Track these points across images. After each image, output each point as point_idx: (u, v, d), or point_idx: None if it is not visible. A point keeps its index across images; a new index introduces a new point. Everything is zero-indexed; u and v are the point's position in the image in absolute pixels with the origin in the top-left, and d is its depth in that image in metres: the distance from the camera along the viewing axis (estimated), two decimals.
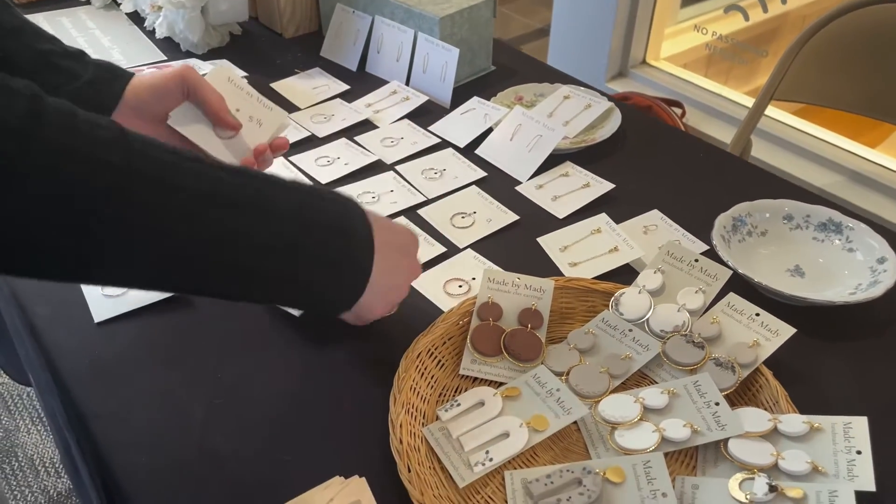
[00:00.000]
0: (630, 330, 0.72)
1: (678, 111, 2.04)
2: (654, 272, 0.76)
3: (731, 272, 0.75)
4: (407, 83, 1.20)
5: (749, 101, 2.27)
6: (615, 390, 0.68)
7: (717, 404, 0.64)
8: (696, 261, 0.76)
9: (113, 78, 0.72)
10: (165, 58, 1.27)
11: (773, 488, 0.56)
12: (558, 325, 0.74)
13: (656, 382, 0.69)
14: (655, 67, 2.45)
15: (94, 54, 1.04)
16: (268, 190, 0.54)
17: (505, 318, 0.73)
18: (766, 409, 0.64)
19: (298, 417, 0.67)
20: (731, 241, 0.84)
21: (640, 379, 0.70)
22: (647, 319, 0.73)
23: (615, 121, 1.08)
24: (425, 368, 0.69)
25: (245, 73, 1.12)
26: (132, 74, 0.73)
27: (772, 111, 2.13)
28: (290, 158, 1.03)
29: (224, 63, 0.71)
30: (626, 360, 0.69)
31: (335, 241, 0.57)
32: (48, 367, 0.72)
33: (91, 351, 0.73)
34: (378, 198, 0.95)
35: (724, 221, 0.85)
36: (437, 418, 0.66)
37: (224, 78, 0.78)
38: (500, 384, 0.69)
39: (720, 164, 1.04)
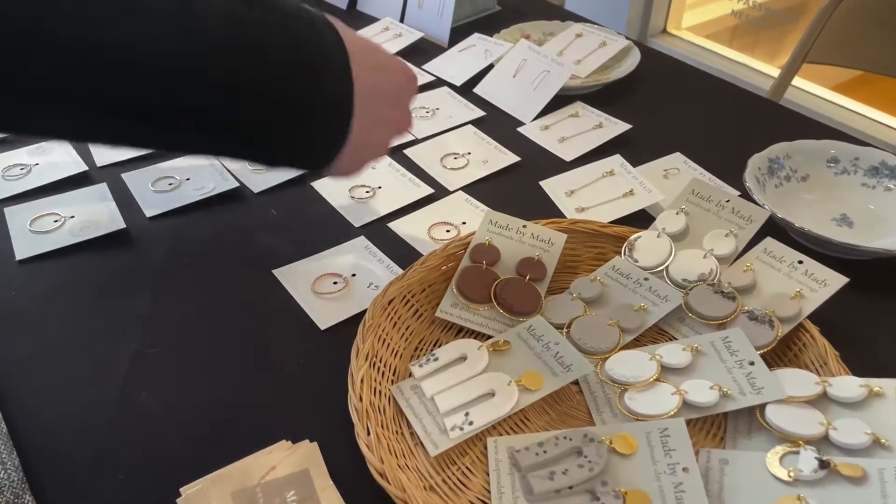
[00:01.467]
0: (646, 279, 0.60)
1: (675, 59, 1.91)
2: (677, 213, 0.64)
3: (769, 213, 0.63)
4: (401, 20, 1.08)
5: (776, 73, 2.13)
6: (626, 347, 0.56)
7: (751, 364, 0.52)
8: (728, 201, 0.64)
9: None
10: None
11: (823, 464, 0.44)
12: (560, 274, 0.63)
13: (676, 339, 0.57)
14: (677, 37, 2.31)
15: None
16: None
17: (501, 265, 0.61)
18: (811, 371, 0.52)
19: (242, 372, 0.56)
20: (767, 186, 0.72)
21: (658, 335, 0.58)
22: (667, 267, 0.61)
23: (633, 60, 0.95)
24: (398, 317, 0.57)
25: None
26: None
27: (806, 84, 1.99)
28: None
29: None
30: (640, 313, 0.57)
31: (302, 80, 0.45)
32: None
33: (6, 291, 0.62)
34: None
35: (758, 162, 0.73)
36: (410, 375, 0.54)
37: None
38: (487, 337, 0.57)
39: (750, 106, 0.92)
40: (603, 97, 0.90)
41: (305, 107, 0.45)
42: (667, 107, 0.91)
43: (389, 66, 0.52)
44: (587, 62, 0.96)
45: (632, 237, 0.63)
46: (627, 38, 0.99)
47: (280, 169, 0.50)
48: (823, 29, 1.47)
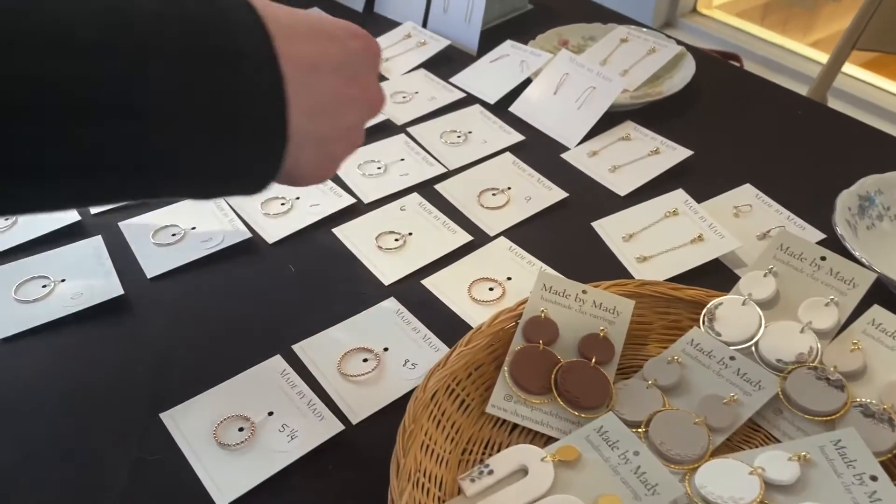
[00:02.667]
0: (732, 358, 0.51)
1: (735, 65, 1.79)
2: (765, 275, 0.54)
3: (875, 276, 0.53)
4: (424, 25, 0.98)
5: (812, 53, 2.01)
6: (717, 451, 0.47)
7: (873, 479, 0.43)
8: (824, 259, 0.54)
9: None
10: None
11: None
12: (628, 346, 0.53)
13: (775, 438, 0.48)
14: (707, 17, 2.19)
15: None
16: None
17: (560, 343, 0.52)
18: None
19: (259, 493, 0.47)
20: (859, 229, 0.62)
21: (751, 432, 0.49)
22: (757, 343, 0.51)
23: (687, 69, 0.85)
24: (442, 413, 0.49)
25: None
26: None
27: (847, 67, 1.87)
28: None
29: None
30: (730, 405, 0.48)
31: (208, 77, 0.32)
32: None
33: None
34: (385, 168, 0.74)
35: (847, 201, 0.63)
36: (460, 491, 0.45)
37: None
38: (549, 438, 0.48)
39: (825, 124, 0.81)
40: (656, 113, 0.80)
41: (222, 111, 0.33)
42: (729, 124, 0.80)
43: (333, 31, 0.38)
44: (635, 72, 0.86)
45: (711, 304, 0.54)
46: (678, 43, 0.88)
47: (224, 196, 0.36)
48: (876, 12, 1.36)
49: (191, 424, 0.50)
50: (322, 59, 0.36)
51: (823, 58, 1.88)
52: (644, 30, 0.91)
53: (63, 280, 0.61)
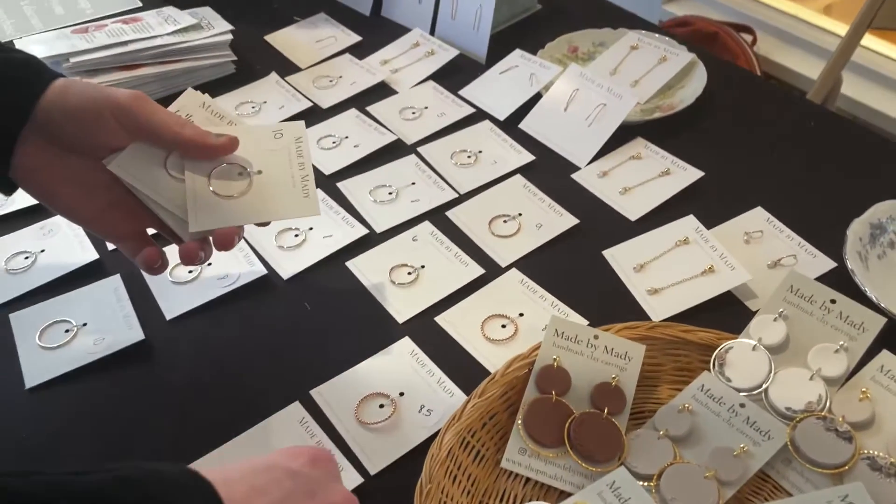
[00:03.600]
0: (742, 405, 0.51)
1: (748, 38, 1.76)
2: (775, 319, 0.55)
3: (885, 320, 0.53)
4: (432, 32, 0.97)
5: (827, 24, 1.97)
6: None
7: None
8: (833, 302, 0.54)
9: (26, 81, 0.50)
10: (140, 4, 1.05)
11: None
12: (639, 389, 0.54)
13: (783, 488, 0.49)
14: None
15: (56, 2, 0.82)
16: None
17: (573, 392, 0.53)
18: None
19: None
20: (869, 259, 0.63)
21: (761, 483, 0.51)
22: (766, 390, 0.52)
23: (699, 79, 0.84)
24: (458, 466, 0.50)
25: (231, 27, 0.90)
26: (52, 78, 0.51)
27: (866, 39, 1.83)
28: None
29: (191, 91, 0.54)
30: (740, 457, 0.49)
31: None
32: None
33: (16, 431, 0.55)
34: (396, 194, 0.74)
35: (858, 231, 0.63)
36: None
37: (197, 104, 0.56)
38: (560, 492, 0.50)
39: (838, 136, 0.80)
40: (666, 127, 0.80)
41: None
42: (741, 138, 0.80)
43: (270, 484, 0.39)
44: (646, 83, 0.85)
45: (722, 348, 0.54)
46: (689, 51, 0.87)
47: None
48: None
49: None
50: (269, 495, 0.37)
51: (839, 28, 1.85)
52: (655, 35, 0.90)
53: (85, 324, 0.62)
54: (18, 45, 0.88)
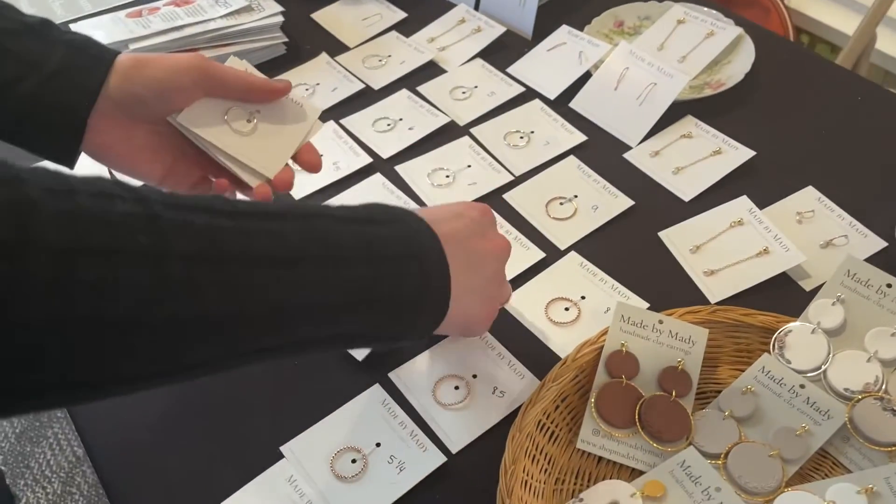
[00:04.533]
0: (802, 386, 0.55)
1: (796, 45, 1.74)
2: (833, 303, 0.58)
3: None
4: (476, 7, 0.97)
5: None
6: (790, 481, 0.52)
7: None
8: (889, 286, 0.57)
9: (89, 65, 0.53)
10: None
11: None
12: (701, 370, 0.57)
13: (842, 465, 0.53)
14: None
15: None
16: (328, 231, 0.43)
17: (641, 376, 0.56)
18: None
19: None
20: None
21: (821, 459, 0.54)
22: (825, 371, 0.55)
23: (747, 54, 0.85)
24: (536, 447, 0.54)
25: (281, 8, 0.91)
26: (114, 56, 0.54)
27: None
28: (343, 121, 0.84)
29: (233, 58, 0.57)
30: (802, 437, 0.53)
31: (409, 278, 0.46)
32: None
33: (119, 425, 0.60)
34: (453, 177, 0.77)
35: None
36: None
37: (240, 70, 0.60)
38: (633, 470, 0.53)
39: (888, 112, 0.81)
40: (715, 104, 0.81)
41: (409, 318, 0.48)
42: (791, 114, 0.81)
43: (461, 211, 0.53)
44: (694, 58, 0.86)
45: (781, 331, 0.57)
46: (736, 24, 0.88)
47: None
48: None
49: (307, 454, 0.56)
50: (461, 232, 0.50)
51: None
52: (703, 9, 0.90)
53: None
54: (75, 28, 0.91)
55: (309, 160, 0.60)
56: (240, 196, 0.60)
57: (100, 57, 0.53)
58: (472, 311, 0.53)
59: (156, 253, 0.35)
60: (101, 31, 0.87)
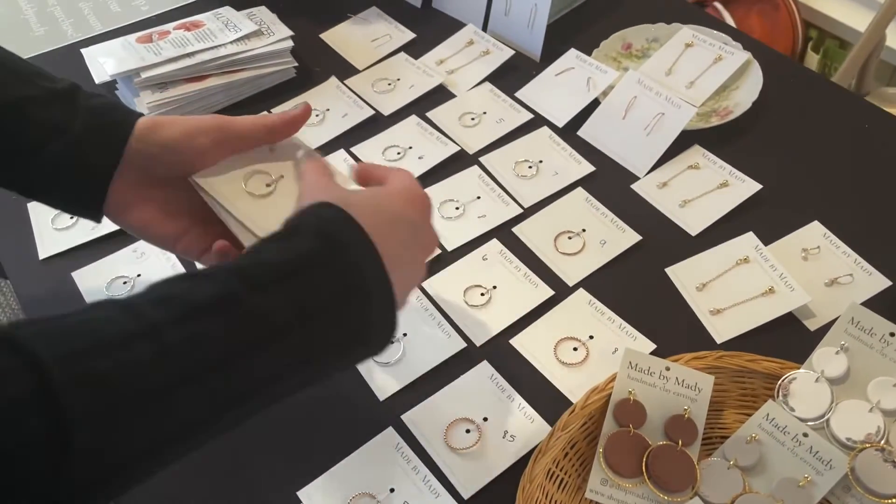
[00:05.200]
0: (805, 435, 0.56)
1: (803, 68, 1.73)
2: (837, 352, 0.59)
3: None
4: (484, 28, 0.98)
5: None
6: None
7: None
8: (893, 335, 0.58)
9: (110, 130, 0.54)
10: None
11: None
12: (707, 414, 0.59)
13: None
14: None
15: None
16: (261, 309, 0.41)
17: (648, 424, 0.57)
18: None
19: None
20: None
21: None
22: (828, 420, 0.57)
23: (754, 80, 0.85)
24: (545, 495, 0.55)
25: (291, 33, 0.91)
26: (136, 119, 0.55)
27: None
28: (353, 149, 0.85)
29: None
30: (805, 487, 0.54)
31: (353, 319, 0.45)
32: None
33: None
34: (464, 209, 0.78)
35: None
36: None
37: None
38: None
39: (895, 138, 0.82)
40: (722, 133, 0.82)
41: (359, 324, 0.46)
42: (797, 146, 0.82)
43: (396, 212, 0.51)
44: (701, 84, 0.86)
45: (786, 378, 0.59)
46: (745, 49, 0.88)
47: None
48: None
49: (325, 500, 0.58)
50: (400, 246, 0.49)
51: None
52: (712, 32, 0.90)
53: None
54: (84, 53, 0.91)
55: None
56: None
57: (121, 122, 0.54)
58: (413, 280, 0.53)
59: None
60: (113, 58, 0.87)
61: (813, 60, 1.77)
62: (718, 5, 1.72)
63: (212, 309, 0.39)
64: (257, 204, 0.57)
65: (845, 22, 1.79)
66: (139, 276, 0.73)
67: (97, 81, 0.88)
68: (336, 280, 0.44)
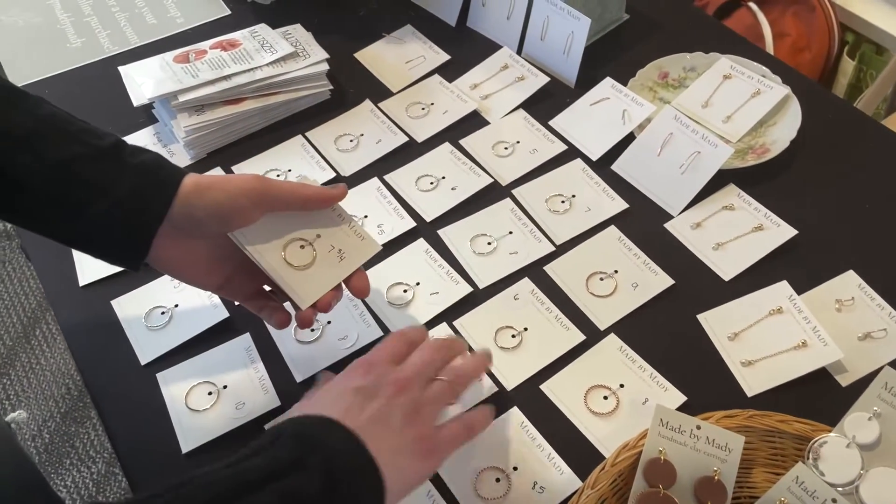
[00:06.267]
0: (834, 501, 0.56)
1: (843, 103, 1.70)
2: (869, 418, 0.59)
3: None
4: (519, 51, 0.97)
5: None
6: None
7: None
8: None
9: (155, 191, 0.56)
10: (229, 11, 1.07)
11: None
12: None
13: None
14: None
15: (147, 11, 0.91)
16: None
17: (678, 484, 0.58)
18: None
19: None
20: None
21: None
22: (857, 486, 0.57)
23: (793, 116, 0.84)
24: None
25: (326, 56, 0.91)
26: (180, 178, 0.57)
27: None
28: (387, 178, 0.85)
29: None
30: None
31: None
32: None
33: None
34: (495, 244, 0.78)
35: None
36: None
37: None
38: None
39: None
40: (758, 173, 0.81)
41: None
42: (836, 187, 0.81)
43: (387, 413, 0.52)
44: (739, 119, 0.86)
45: (816, 441, 0.59)
46: (784, 83, 0.87)
47: None
48: None
49: None
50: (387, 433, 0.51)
51: None
52: (752, 63, 0.89)
53: (225, 387, 0.69)
54: (122, 72, 0.92)
55: (357, 286, 0.62)
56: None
57: (166, 182, 0.55)
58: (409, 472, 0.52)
59: None
60: (151, 79, 0.88)
61: (849, 66, 1.74)
62: (753, 6, 1.69)
63: None
64: (298, 273, 0.60)
65: (883, 27, 1.75)
66: (177, 306, 0.75)
67: (136, 104, 0.89)
68: None
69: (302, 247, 0.59)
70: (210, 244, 0.59)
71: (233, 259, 0.60)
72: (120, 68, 0.93)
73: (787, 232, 0.76)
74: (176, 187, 0.55)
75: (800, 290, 0.71)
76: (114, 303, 0.76)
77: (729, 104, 0.87)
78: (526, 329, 0.72)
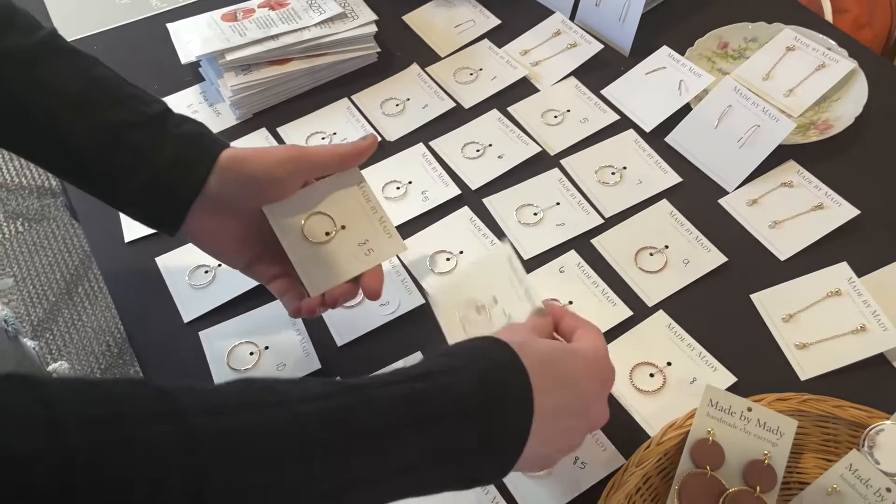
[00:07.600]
0: (888, 490, 0.54)
1: None
2: None
3: None
4: (572, 17, 0.94)
5: None
6: None
7: None
8: None
9: (194, 163, 0.56)
10: None
11: None
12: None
13: None
14: None
15: None
16: (388, 430, 0.42)
17: (726, 467, 0.57)
18: None
19: None
20: None
21: None
22: None
23: (859, 92, 0.80)
24: None
25: (375, 17, 0.89)
26: (219, 151, 0.56)
27: None
28: (432, 143, 0.84)
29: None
30: None
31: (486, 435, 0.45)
32: None
33: None
34: (542, 214, 0.76)
35: None
36: None
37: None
38: None
39: None
40: (821, 149, 0.78)
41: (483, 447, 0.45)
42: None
43: (572, 379, 0.50)
44: (802, 92, 0.82)
45: (872, 429, 0.57)
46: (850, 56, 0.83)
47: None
48: None
49: None
50: (562, 410, 0.48)
51: None
52: (817, 35, 0.85)
53: (267, 347, 0.69)
54: (171, 29, 0.92)
55: (370, 286, 0.59)
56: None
57: (204, 155, 0.56)
58: (525, 466, 0.48)
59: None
60: (198, 37, 0.87)
61: None
62: None
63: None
64: (311, 248, 0.59)
65: None
66: (220, 265, 0.74)
67: (183, 61, 0.88)
68: (475, 431, 0.44)
69: (327, 233, 0.59)
70: (243, 222, 0.59)
71: (262, 239, 0.59)
72: (168, 25, 0.92)
73: (848, 212, 0.73)
74: (213, 160, 0.55)
75: (860, 272, 0.69)
76: (158, 260, 0.76)
77: (792, 77, 0.83)
78: (571, 303, 0.70)
